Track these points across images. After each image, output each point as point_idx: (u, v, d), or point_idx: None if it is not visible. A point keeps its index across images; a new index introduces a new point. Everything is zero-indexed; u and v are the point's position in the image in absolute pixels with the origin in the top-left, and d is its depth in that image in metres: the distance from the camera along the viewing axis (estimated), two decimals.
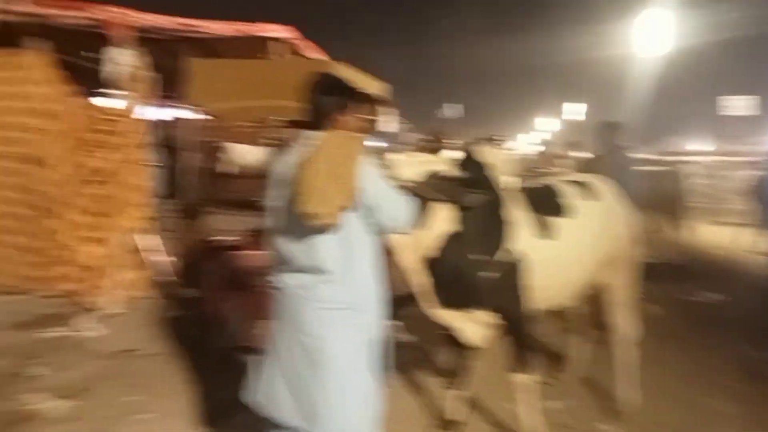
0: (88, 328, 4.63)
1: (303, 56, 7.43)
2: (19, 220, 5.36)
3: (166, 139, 6.89)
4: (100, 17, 5.02)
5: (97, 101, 5.65)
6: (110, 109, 5.45)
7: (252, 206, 11.54)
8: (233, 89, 3.99)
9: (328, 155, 1.97)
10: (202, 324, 4.52)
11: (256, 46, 6.98)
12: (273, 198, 2.17)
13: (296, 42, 7.37)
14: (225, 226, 7.17)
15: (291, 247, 2.10)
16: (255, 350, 3.87)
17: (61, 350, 4.25)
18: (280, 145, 2.96)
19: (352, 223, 2.04)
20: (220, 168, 11.66)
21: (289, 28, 7.17)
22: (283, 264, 2.15)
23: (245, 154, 12.02)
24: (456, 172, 2.82)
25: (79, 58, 6.28)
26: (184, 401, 3.52)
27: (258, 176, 12.78)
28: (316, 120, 2.14)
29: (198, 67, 4.09)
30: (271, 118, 5.26)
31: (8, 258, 5.34)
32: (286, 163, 2.12)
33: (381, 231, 2.17)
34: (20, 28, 5.23)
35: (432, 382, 3.89)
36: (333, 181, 1.92)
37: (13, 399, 3.48)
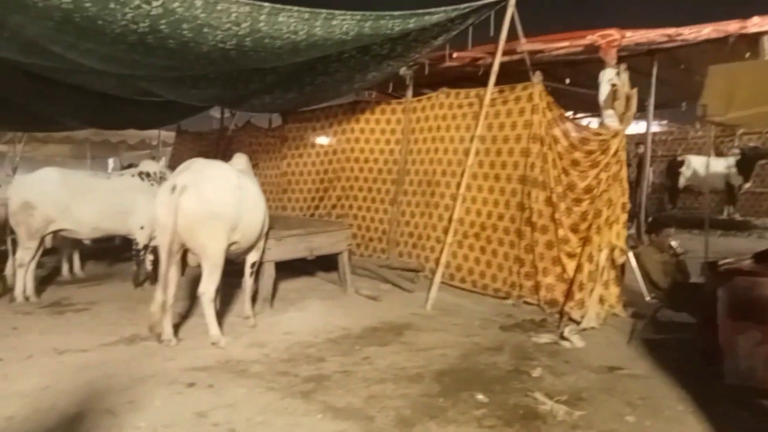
0: (569, 339, 4.82)
1: None
2: (515, 235, 6.03)
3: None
4: (596, 42, 5.22)
5: (586, 122, 5.93)
6: (600, 129, 5.64)
7: (716, 224, 10.26)
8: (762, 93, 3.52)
9: None
10: (700, 352, 4.17)
11: (741, 45, 6.16)
12: None
13: None
14: (690, 246, 6.56)
15: None
16: None
17: (551, 356, 4.50)
18: None
19: None
20: (681, 183, 10.90)
21: None
22: None
23: (706, 167, 10.88)
24: None
25: (561, 84, 6.74)
26: None
27: (721, 191, 11.32)
28: None
29: (718, 74, 3.76)
30: None
31: (503, 267, 6.10)
32: None
33: None
34: (516, 64, 5.93)
35: None
36: None
37: (520, 394, 3.75)
